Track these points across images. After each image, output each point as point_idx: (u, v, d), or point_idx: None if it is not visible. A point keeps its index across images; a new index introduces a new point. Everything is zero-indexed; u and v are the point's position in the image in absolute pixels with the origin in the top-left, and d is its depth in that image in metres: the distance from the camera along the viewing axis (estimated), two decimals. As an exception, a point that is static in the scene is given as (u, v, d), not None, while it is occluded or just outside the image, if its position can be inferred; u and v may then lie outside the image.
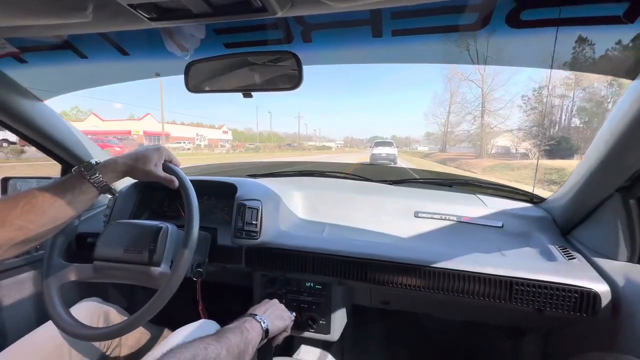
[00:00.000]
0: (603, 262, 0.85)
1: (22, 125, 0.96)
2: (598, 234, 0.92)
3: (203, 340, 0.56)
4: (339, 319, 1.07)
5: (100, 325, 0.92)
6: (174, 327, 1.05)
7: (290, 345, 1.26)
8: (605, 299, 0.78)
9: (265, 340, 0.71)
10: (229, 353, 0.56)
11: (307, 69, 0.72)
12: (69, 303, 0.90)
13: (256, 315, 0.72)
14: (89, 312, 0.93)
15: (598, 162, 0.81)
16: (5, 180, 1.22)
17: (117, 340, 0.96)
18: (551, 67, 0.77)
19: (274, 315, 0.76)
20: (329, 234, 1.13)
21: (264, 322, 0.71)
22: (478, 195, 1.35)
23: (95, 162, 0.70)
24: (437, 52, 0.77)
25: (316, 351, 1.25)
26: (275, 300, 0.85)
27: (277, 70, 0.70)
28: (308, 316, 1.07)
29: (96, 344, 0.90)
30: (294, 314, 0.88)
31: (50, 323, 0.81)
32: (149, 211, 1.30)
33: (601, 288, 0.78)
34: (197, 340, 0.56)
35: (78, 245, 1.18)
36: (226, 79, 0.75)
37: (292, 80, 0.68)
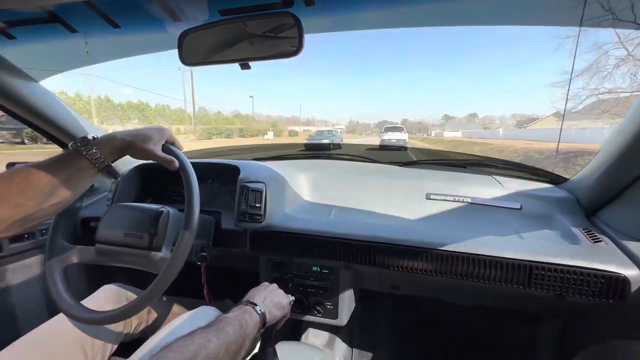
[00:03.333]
0: (633, 245, 0.78)
1: (16, 106, 0.93)
2: (628, 215, 0.85)
3: (203, 336, 0.54)
4: (346, 304, 1.05)
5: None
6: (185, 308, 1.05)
7: (297, 328, 1.25)
8: (636, 285, 0.72)
9: (262, 330, 0.69)
10: (227, 352, 0.54)
11: (309, 39, 0.65)
12: (79, 288, 0.90)
13: (256, 305, 0.69)
14: (112, 297, 0.93)
15: (632, 136, 0.73)
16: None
17: (134, 322, 0.96)
18: (580, 25, 0.68)
19: (272, 304, 0.74)
20: (336, 217, 1.08)
21: (262, 314, 0.68)
22: (494, 176, 1.28)
23: (93, 137, 0.66)
24: (452, 12, 0.68)
25: (324, 335, 1.23)
26: (275, 286, 0.82)
27: (277, 37, 0.64)
28: (315, 301, 1.04)
29: (114, 332, 0.89)
30: (292, 298, 0.85)
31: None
32: (152, 195, 1.28)
33: (631, 272, 0.72)
34: (197, 334, 0.54)
35: (83, 229, 1.18)
36: (223, 49, 0.70)
37: (292, 46, 0.62)
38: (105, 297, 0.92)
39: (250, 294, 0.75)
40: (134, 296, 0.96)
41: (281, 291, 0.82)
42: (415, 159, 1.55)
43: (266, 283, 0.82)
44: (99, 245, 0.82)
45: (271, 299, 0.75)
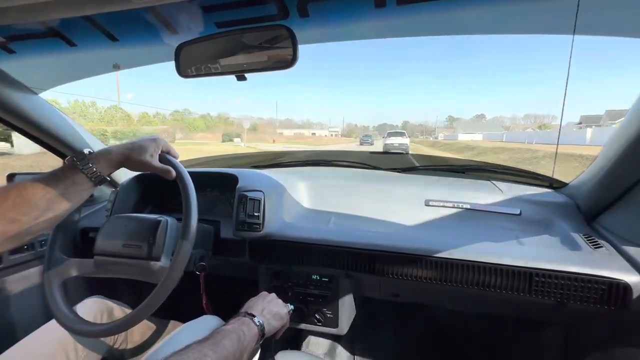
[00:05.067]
0: (634, 251, 0.77)
1: (17, 119, 0.94)
2: (628, 220, 0.84)
3: (199, 350, 0.53)
4: (347, 312, 1.04)
5: (104, 322, 0.91)
6: (180, 320, 1.05)
7: (298, 337, 1.24)
8: (637, 291, 0.71)
9: (261, 341, 0.68)
10: None
11: (306, 48, 0.66)
12: (77, 300, 0.90)
13: (254, 317, 0.69)
14: (94, 309, 0.92)
15: (632, 139, 0.73)
16: (12, 176, 1.22)
17: (123, 334, 0.95)
18: (574, 33, 0.68)
19: (270, 315, 0.73)
20: (335, 225, 1.08)
21: (261, 325, 0.68)
22: (493, 182, 1.28)
23: (89, 151, 0.67)
24: (448, 22, 0.69)
25: (325, 343, 1.22)
26: (273, 295, 0.81)
27: (272, 49, 0.64)
28: (315, 309, 1.04)
29: (102, 339, 0.89)
30: (291, 308, 0.84)
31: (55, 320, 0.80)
32: (152, 205, 1.28)
33: (632, 279, 0.72)
34: (193, 348, 0.53)
35: (82, 239, 1.17)
36: (219, 61, 0.70)
37: (287, 58, 0.62)
38: (87, 311, 0.89)
39: (248, 305, 0.75)
40: (117, 308, 0.96)
41: (280, 301, 0.81)
42: (417, 164, 1.55)
43: (265, 293, 0.82)
44: (98, 257, 0.82)
45: (270, 310, 0.75)
